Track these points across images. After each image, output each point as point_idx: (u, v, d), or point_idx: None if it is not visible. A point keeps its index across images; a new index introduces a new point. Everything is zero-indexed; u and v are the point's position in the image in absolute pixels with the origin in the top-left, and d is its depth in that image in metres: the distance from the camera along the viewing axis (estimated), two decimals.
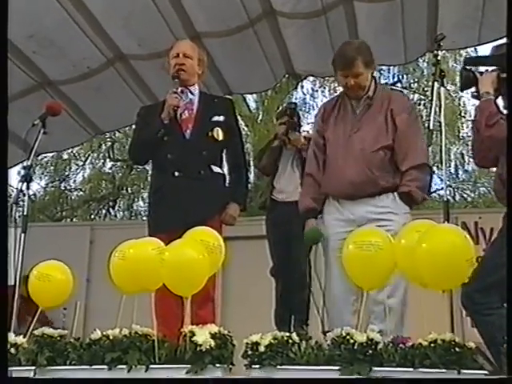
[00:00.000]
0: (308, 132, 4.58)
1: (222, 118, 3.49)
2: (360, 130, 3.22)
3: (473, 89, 2.89)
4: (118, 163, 13.35)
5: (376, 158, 3.16)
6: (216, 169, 3.45)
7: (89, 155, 13.34)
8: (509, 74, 2.67)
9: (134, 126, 3.83)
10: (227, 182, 3.53)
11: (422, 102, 12.22)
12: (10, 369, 2.44)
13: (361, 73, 3.22)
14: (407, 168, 3.14)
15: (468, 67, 2.93)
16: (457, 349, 2.05)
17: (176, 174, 3.34)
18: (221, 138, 3.44)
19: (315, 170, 3.35)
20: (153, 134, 3.38)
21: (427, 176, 3.23)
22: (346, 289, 2.96)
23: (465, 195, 12.85)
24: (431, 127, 2.87)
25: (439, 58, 3.01)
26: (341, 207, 3.22)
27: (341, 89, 3.46)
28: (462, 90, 3.05)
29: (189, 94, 3.52)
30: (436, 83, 2.93)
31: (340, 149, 3.23)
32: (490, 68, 2.88)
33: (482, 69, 2.91)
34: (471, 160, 12.61)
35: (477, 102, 2.86)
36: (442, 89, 2.95)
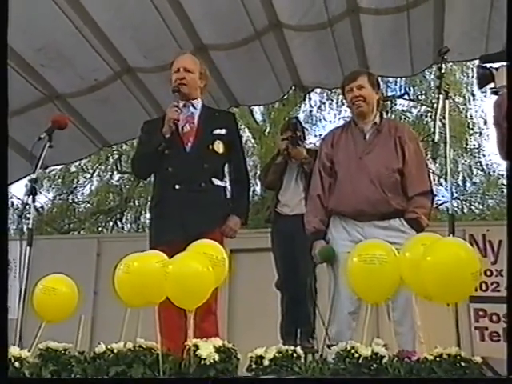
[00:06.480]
0: (315, 144, 4.58)
1: (223, 131, 3.46)
2: (371, 152, 3.33)
3: (491, 85, 2.89)
4: (126, 175, 13.41)
5: (391, 179, 3.26)
6: (217, 181, 3.41)
7: (96, 168, 13.42)
8: (509, 75, 2.65)
9: (136, 141, 3.84)
10: (228, 194, 3.51)
11: (429, 114, 12.22)
12: None
13: (364, 86, 3.39)
14: (414, 194, 3.25)
15: (483, 65, 2.94)
16: (462, 363, 2.03)
17: (177, 186, 3.32)
18: (221, 150, 3.42)
19: (322, 192, 3.41)
20: (154, 148, 3.36)
21: (431, 203, 3.35)
22: (350, 306, 3.08)
23: (473, 207, 12.80)
24: (436, 140, 2.86)
25: (443, 70, 3.00)
26: (348, 227, 3.26)
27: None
28: (479, 88, 3.05)
29: (190, 107, 3.50)
30: (441, 96, 2.93)
31: (353, 169, 3.32)
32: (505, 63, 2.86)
33: (497, 65, 2.90)
34: (479, 172, 12.59)
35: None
36: (447, 101, 2.95)
